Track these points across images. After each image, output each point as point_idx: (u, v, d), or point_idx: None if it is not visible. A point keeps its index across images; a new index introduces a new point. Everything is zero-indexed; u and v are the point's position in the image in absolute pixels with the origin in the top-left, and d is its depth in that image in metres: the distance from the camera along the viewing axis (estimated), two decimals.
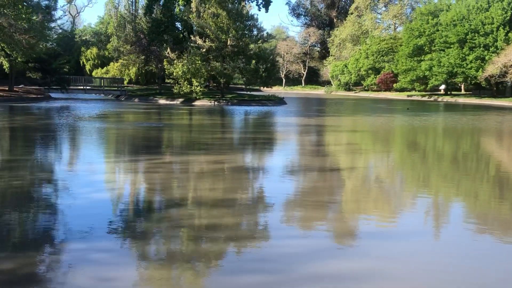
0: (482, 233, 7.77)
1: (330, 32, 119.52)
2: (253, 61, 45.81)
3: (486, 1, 69.64)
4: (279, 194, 9.95)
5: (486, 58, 65.97)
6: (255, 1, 57.00)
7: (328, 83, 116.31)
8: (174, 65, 46.63)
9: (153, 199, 9.56)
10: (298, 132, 24.65)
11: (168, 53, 47.46)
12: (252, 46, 49.26)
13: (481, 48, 67.86)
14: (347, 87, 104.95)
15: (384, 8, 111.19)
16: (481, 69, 65.92)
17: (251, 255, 6.48)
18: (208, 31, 46.88)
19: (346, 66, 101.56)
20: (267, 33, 49.94)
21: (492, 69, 61.40)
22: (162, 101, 49.38)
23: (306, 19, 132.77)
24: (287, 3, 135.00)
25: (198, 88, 45.94)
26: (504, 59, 59.87)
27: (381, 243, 7.00)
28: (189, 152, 16.05)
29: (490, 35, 67.17)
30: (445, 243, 7.24)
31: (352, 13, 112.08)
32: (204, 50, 46.80)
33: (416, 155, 17.27)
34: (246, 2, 54.47)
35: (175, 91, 47.31)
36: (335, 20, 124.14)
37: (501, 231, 7.87)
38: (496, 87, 72.45)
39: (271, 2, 56.70)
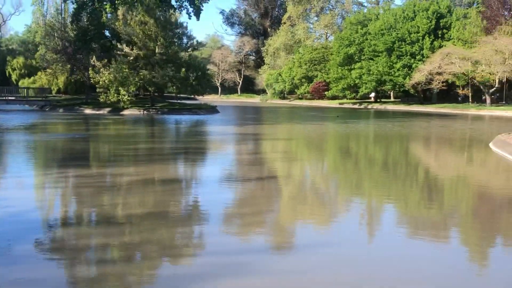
0: (414, 236, 7.89)
1: (264, 41, 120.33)
2: (183, 69, 45.02)
3: (412, 10, 72.08)
4: (205, 206, 9.65)
5: (413, 66, 68.13)
6: (185, 9, 56.14)
7: (263, 91, 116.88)
8: (101, 74, 45.19)
9: (62, 214, 8.74)
10: (224, 141, 24.13)
11: (93, 61, 45.90)
12: (182, 54, 48.54)
13: (408, 56, 70.06)
14: (282, 95, 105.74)
15: (316, 18, 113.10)
16: (408, 76, 67.96)
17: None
18: (135, 39, 45.74)
19: (280, 75, 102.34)
20: (197, 41, 49.31)
21: (418, 76, 63.35)
22: (88, 111, 47.75)
23: (241, 28, 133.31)
24: (221, 12, 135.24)
25: (126, 97, 44.72)
26: (429, 66, 61.89)
27: (315, 250, 6.89)
28: (104, 164, 15.19)
29: (416, 43, 69.48)
30: (378, 248, 7.21)
31: (285, 23, 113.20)
32: (131, 58, 45.61)
33: (341, 161, 17.15)
34: (177, 10, 53.69)
35: (102, 100, 45.84)
36: (269, 29, 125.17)
37: (431, 234, 7.96)
38: (424, 94, 75.02)
39: (202, 10, 55.94)
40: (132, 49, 45.60)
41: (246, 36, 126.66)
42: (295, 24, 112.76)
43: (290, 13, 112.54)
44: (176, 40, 46.81)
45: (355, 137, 26.53)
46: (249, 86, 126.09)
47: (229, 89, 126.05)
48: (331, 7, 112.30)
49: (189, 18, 60.84)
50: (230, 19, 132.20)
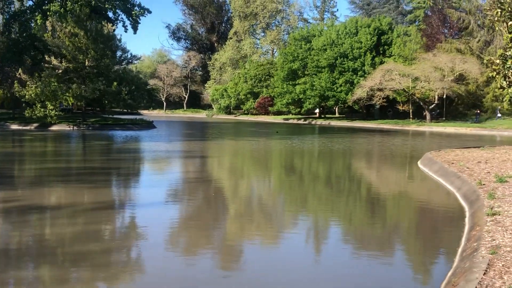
0: (358, 251, 8.34)
1: (211, 56, 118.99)
2: (115, 83, 42.95)
3: (354, 26, 72.40)
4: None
5: (355, 81, 68.20)
6: (122, 22, 54.30)
7: (209, 106, 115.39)
8: (27, 87, 42.62)
9: None
10: (137, 160, 22.41)
11: (19, 74, 43.29)
12: (117, 67, 46.58)
13: (350, 72, 70.17)
14: (228, 110, 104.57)
15: (262, 34, 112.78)
16: (350, 92, 67.94)
17: None
18: (64, 51, 43.46)
19: (225, 90, 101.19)
20: (131, 54, 47.45)
21: (359, 92, 63.28)
22: (14, 127, 45.05)
23: (187, 42, 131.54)
24: (167, 27, 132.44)
25: (53, 112, 42.27)
26: (370, 82, 61.91)
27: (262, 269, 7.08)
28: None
29: (358, 59, 69.70)
30: (324, 263, 7.72)
31: (231, 38, 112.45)
32: (60, 71, 43.29)
33: (252, 179, 15.84)
34: (116, 22, 51.82)
35: (27, 115, 43.21)
36: (215, 44, 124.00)
37: (375, 248, 8.54)
38: (367, 110, 75.31)
39: (139, 23, 54.32)
40: (61, 62, 43.29)
41: (193, 51, 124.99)
42: (241, 39, 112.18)
43: (237, 28, 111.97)
44: (108, 53, 44.67)
45: (283, 154, 25.48)
46: (196, 101, 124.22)
47: (175, 104, 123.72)
48: (277, 23, 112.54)
49: (125, 31, 58.90)
50: (176, 33, 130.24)
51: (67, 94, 43.12)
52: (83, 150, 27.45)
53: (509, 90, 16.30)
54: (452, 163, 17.73)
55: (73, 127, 43.47)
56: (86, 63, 43.08)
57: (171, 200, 12.54)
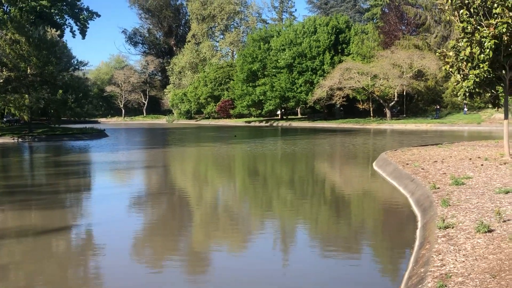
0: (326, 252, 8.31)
1: (170, 60, 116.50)
2: (60, 91, 40.68)
3: (312, 25, 71.43)
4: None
5: (315, 81, 67.19)
6: (69, 27, 51.92)
7: (170, 112, 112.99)
8: None
9: None
10: (70, 174, 20.54)
11: None
12: (65, 74, 44.25)
13: (309, 72, 69.17)
14: (189, 115, 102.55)
15: (221, 36, 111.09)
16: (310, 92, 66.89)
17: None
18: (5, 59, 41.00)
19: (185, 95, 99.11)
20: (78, 60, 45.17)
21: (319, 92, 62.28)
22: None
23: (145, 47, 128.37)
24: (123, 31, 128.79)
25: None
26: (329, 82, 60.98)
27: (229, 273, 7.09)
28: None
29: (317, 58, 68.71)
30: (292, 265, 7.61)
31: (189, 41, 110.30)
32: (1, 80, 40.79)
33: (198, 186, 14.29)
34: (63, 28, 49.52)
35: None
36: (174, 48, 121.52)
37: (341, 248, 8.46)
38: (329, 110, 74.44)
39: (88, 28, 52.10)
40: (1, 71, 40.82)
41: (151, 55, 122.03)
42: (200, 42, 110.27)
43: (195, 31, 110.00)
44: (53, 60, 42.29)
45: (234, 159, 24.09)
46: (156, 107, 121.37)
47: (134, 111, 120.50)
48: (235, 24, 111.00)
49: (73, 37, 56.54)
50: (133, 38, 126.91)
51: (10, 104, 40.61)
52: (15, 164, 25.35)
53: (463, 84, 15.14)
54: (407, 164, 16.56)
55: (17, 139, 41.03)
56: (29, 71, 40.67)
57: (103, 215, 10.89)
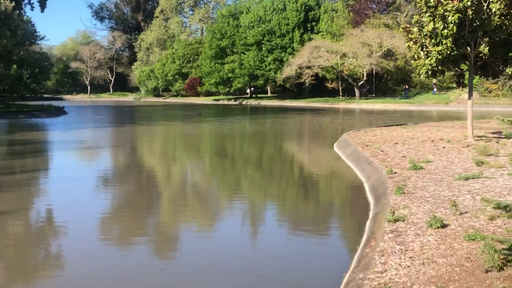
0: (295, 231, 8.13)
1: (137, 36, 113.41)
2: (14, 66, 38.65)
3: (282, 2, 69.89)
4: None
5: (284, 59, 65.95)
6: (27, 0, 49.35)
7: (137, 89, 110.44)
8: None
9: None
10: (21, 153, 19.17)
11: None
12: (21, 49, 42.05)
13: (278, 50, 67.89)
14: (157, 93, 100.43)
15: (191, 12, 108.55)
16: (279, 71, 65.68)
17: None
18: None
19: (152, 72, 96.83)
20: (35, 33, 42.92)
21: (288, 70, 61.14)
22: None
23: (111, 22, 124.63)
24: (89, 6, 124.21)
25: None
26: (298, 60, 59.88)
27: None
28: None
29: (287, 36, 67.43)
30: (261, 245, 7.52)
31: (158, 17, 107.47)
32: None
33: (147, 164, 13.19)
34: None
35: None
36: (142, 23, 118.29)
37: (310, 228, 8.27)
38: (299, 89, 73.36)
39: (47, 0, 49.57)
40: None
41: (118, 31, 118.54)
42: (169, 17, 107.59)
43: (163, 6, 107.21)
44: (7, 33, 40.07)
45: (192, 138, 23.00)
46: (123, 84, 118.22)
47: (100, 88, 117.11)
48: (205, 1, 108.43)
49: (32, 10, 53.91)
50: (99, 13, 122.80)
51: None
52: None
53: (426, 61, 14.24)
54: (367, 146, 15.70)
55: None
56: None
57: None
